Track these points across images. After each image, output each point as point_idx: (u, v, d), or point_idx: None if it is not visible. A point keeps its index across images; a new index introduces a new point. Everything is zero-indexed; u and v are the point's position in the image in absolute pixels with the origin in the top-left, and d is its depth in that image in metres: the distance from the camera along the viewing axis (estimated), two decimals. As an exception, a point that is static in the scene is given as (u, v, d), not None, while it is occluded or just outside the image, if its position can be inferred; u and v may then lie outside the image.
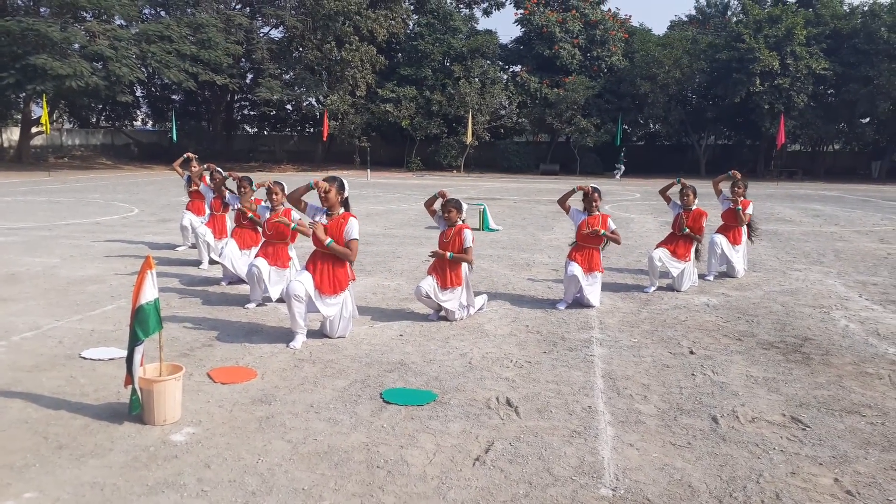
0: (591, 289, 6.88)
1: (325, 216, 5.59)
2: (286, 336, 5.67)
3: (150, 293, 3.88)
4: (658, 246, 7.91)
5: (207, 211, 9.15)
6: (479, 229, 12.85)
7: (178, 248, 9.95)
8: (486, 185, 26.26)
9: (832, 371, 5.04)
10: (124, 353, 5.04)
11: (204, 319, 6.21)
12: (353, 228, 5.48)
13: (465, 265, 6.33)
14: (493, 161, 37.02)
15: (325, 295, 5.46)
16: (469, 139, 32.61)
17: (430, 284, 6.16)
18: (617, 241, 6.92)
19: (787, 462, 3.58)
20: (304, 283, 5.37)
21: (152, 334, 3.91)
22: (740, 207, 8.41)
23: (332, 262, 5.47)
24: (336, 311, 5.54)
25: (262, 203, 7.41)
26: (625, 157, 33.04)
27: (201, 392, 4.43)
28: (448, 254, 6.21)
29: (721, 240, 8.38)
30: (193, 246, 9.42)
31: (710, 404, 4.36)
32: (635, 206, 18.41)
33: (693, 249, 7.79)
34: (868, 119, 34.46)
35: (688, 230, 7.75)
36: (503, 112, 35.90)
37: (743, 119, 34.15)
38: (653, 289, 7.74)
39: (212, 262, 8.68)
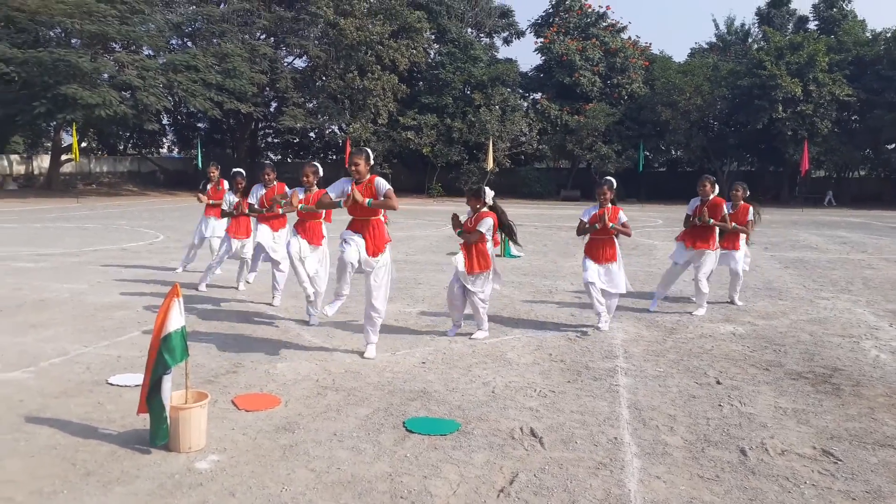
0: (612, 279, 7.00)
1: (351, 182, 5.87)
2: (310, 361, 5.69)
3: (177, 321, 3.92)
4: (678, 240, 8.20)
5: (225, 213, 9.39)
6: (500, 255, 12.84)
7: (176, 271, 10.25)
8: (507, 211, 26.26)
9: (863, 403, 4.95)
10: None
11: (228, 345, 6.25)
12: (383, 183, 5.80)
13: (490, 252, 6.70)
14: (514, 187, 37.08)
15: (371, 257, 5.80)
16: (490, 166, 32.69)
17: (460, 272, 6.56)
18: (627, 234, 7.02)
19: (820, 497, 3.51)
20: (356, 247, 5.72)
21: (180, 362, 3.94)
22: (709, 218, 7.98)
23: (370, 227, 5.83)
24: (383, 271, 5.89)
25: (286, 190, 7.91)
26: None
27: (226, 419, 4.45)
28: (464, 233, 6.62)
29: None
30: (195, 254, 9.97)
31: (739, 436, 4.29)
32: (657, 233, 18.31)
33: (717, 235, 7.94)
34: (894, 145, 34.10)
35: (711, 221, 7.77)
36: (523, 139, 36.02)
37: (766, 145, 33.94)
38: (656, 304, 8.10)
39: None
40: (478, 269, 6.57)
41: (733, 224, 8.11)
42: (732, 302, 8.50)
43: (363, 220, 5.86)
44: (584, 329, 7.06)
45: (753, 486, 3.60)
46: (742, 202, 8.38)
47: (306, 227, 7.09)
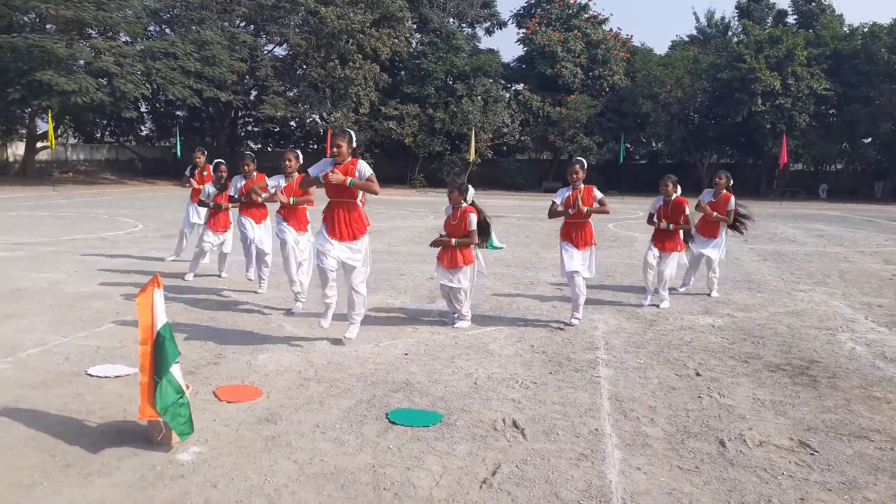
0: (588, 264, 6.98)
1: (331, 165, 5.74)
2: (292, 353, 5.67)
3: (163, 313, 3.87)
4: (650, 245, 8.02)
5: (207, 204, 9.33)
6: (482, 247, 12.84)
7: (165, 260, 10.22)
8: (489, 203, 26.27)
9: (839, 394, 5.03)
10: (130, 370, 5.07)
11: (210, 336, 6.21)
12: (365, 167, 5.72)
13: (476, 255, 6.70)
14: (496, 178, 37.12)
15: (347, 241, 5.75)
16: (472, 156, 32.73)
17: (442, 275, 6.60)
18: (606, 213, 6.97)
19: (796, 488, 3.57)
20: (333, 253, 5.71)
21: (178, 353, 3.91)
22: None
23: (347, 210, 5.77)
24: (360, 257, 5.80)
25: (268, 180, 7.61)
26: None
27: (207, 411, 4.42)
28: (453, 240, 6.52)
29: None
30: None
31: (718, 427, 4.35)
32: (639, 225, 18.43)
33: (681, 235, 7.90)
34: (870, 139, 34.58)
35: (671, 227, 7.75)
36: (506, 130, 36.04)
37: (745, 138, 34.24)
38: (648, 301, 7.96)
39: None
40: (461, 263, 6.54)
41: (714, 215, 8.22)
42: (710, 294, 8.57)
43: (341, 203, 5.78)
44: (565, 322, 7.05)
45: (732, 477, 3.66)
46: (725, 191, 8.37)
47: (292, 213, 7.10)
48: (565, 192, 6.94)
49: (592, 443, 4.08)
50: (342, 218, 5.76)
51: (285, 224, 7.19)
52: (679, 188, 7.91)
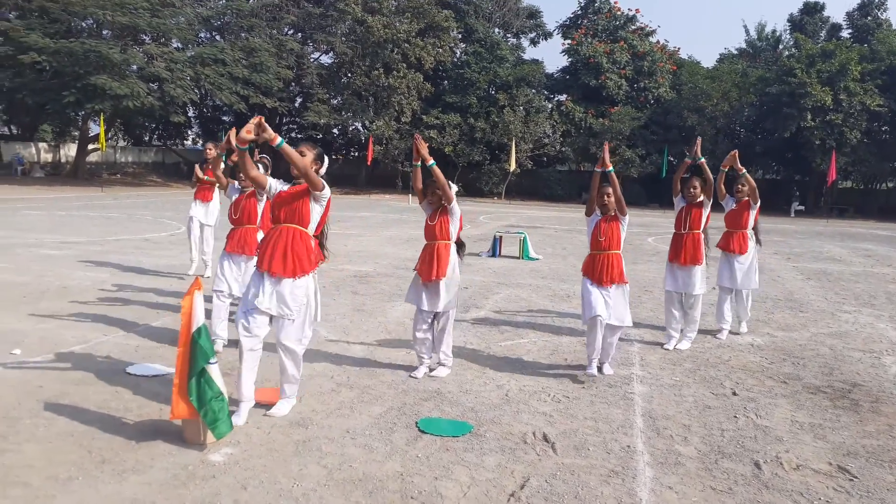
0: (617, 307, 5.61)
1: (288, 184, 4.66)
2: (325, 359, 5.72)
3: (202, 314, 3.96)
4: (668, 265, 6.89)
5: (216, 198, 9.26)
6: (518, 258, 12.82)
7: (189, 273, 9.36)
8: (527, 213, 26.23)
9: (882, 420, 4.87)
10: (168, 370, 5.18)
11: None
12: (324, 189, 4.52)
13: (453, 261, 5.45)
14: (535, 189, 36.99)
15: (277, 275, 4.33)
16: (512, 167, 32.69)
17: (415, 293, 5.40)
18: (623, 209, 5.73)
19: (834, 514, 3.47)
20: (256, 332, 4.34)
21: (214, 353, 3.98)
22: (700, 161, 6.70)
23: (291, 237, 4.39)
24: (294, 306, 4.37)
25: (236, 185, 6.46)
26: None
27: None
28: (430, 160, 5.49)
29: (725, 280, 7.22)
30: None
31: (753, 449, 4.25)
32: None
33: (703, 246, 6.68)
34: (924, 157, 33.54)
35: (703, 158, 6.61)
36: (546, 140, 35.92)
37: (793, 154, 33.52)
38: (673, 343, 6.71)
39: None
40: (434, 277, 5.29)
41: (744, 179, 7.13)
42: (738, 332, 7.37)
43: (282, 228, 4.43)
44: (589, 373, 5.67)
45: (767, 501, 3.57)
46: (746, 197, 7.23)
47: (237, 235, 6.07)
48: (596, 219, 5.79)
49: (624, 460, 4.02)
50: (283, 244, 4.37)
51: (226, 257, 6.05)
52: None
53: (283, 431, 4.22)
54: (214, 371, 3.94)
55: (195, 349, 3.87)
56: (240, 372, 4.35)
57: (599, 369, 5.73)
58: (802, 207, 33.38)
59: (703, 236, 6.74)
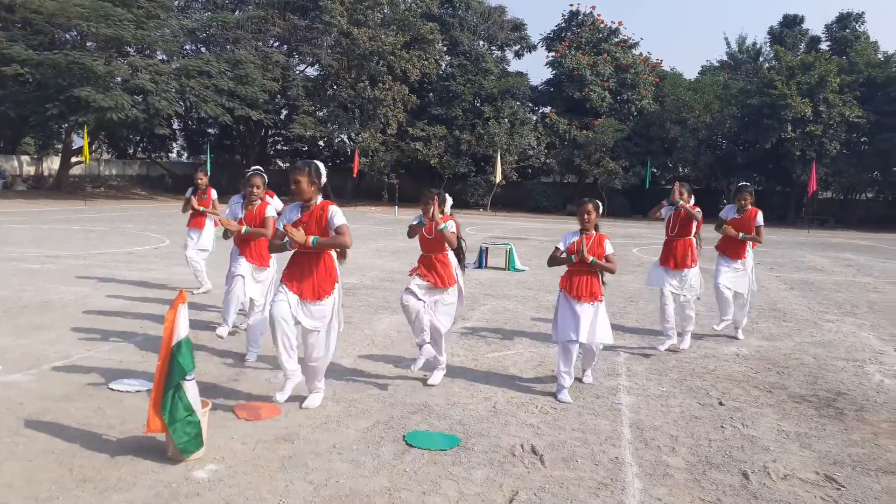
0: (595, 325, 5.50)
1: (299, 211, 4.80)
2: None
3: (185, 328, 3.92)
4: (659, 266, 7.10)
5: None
6: (504, 269, 12.83)
7: (194, 292, 9.10)
8: (512, 224, 26.28)
9: (867, 428, 4.90)
10: (151, 385, 5.10)
11: (230, 354, 6.24)
12: (337, 215, 4.68)
13: (455, 268, 5.66)
14: (521, 201, 37.09)
15: (308, 301, 4.69)
16: (497, 178, 32.77)
17: (418, 285, 5.46)
18: (611, 271, 5.58)
19: (821, 524, 3.47)
20: (287, 301, 4.68)
21: (193, 369, 3.92)
22: (688, 206, 6.93)
23: (312, 263, 4.72)
24: (321, 322, 4.76)
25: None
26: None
27: (225, 428, 4.43)
28: (441, 224, 5.41)
29: (724, 279, 7.39)
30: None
31: (741, 459, 4.26)
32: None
33: (696, 244, 6.96)
34: (903, 168, 33.98)
35: (683, 204, 6.81)
36: (531, 152, 36.06)
37: (774, 165, 33.85)
38: (668, 343, 7.00)
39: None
40: (440, 285, 5.51)
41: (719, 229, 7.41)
42: (735, 336, 7.62)
43: (305, 255, 4.73)
44: (577, 379, 5.79)
45: (754, 512, 3.57)
46: (750, 206, 7.44)
47: (251, 245, 6.19)
48: (571, 237, 5.68)
49: (612, 471, 4.01)
50: (306, 271, 4.72)
51: (241, 257, 6.24)
52: (693, 198, 7.08)
53: (269, 447, 4.18)
54: (190, 388, 3.89)
55: (173, 364, 3.84)
56: (278, 355, 4.75)
57: (579, 379, 5.79)
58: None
59: (694, 241, 7.00)
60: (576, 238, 5.62)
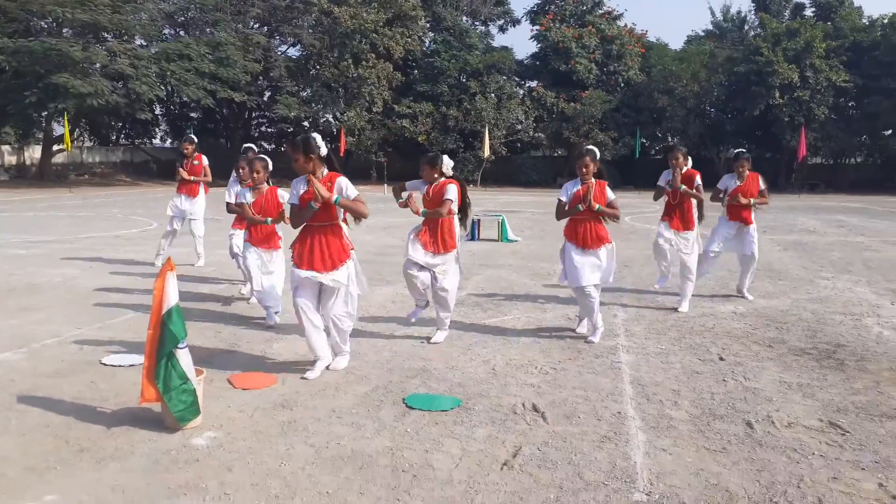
0: (601, 268, 5.76)
1: (306, 183, 4.69)
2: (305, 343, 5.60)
3: (174, 296, 3.82)
4: (661, 224, 7.40)
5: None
6: (497, 240, 12.77)
7: (194, 265, 9.24)
8: (503, 199, 26.16)
9: (868, 377, 4.88)
10: (143, 359, 5.02)
11: (223, 327, 6.16)
12: (349, 186, 4.71)
13: (457, 230, 5.73)
14: (511, 175, 36.95)
15: (326, 272, 4.72)
16: (486, 154, 32.61)
17: (418, 251, 5.57)
18: (615, 217, 5.78)
19: (828, 467, 3.44)
20: (307, 289, 4.78)
21: (185, 336, 3.83)
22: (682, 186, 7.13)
23: (324, 235, 4.72)
24: (342, 279, 4.78)
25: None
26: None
27: (222, 398, 4.36)
28: (421, 209, 5.58)
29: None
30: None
31: (744, 410, 4.23)
32: (656, 218, 18.20)
33: (696, 211, 7.19)
34: (891, 131, 34.01)
35: (683, 187, 7.03)
36: (519, 127, 35.87)
37: (763, 132, 33.82)
38: (665, 282, 7.55)
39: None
40: (441, 251, 5.57)
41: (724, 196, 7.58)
42: (742, 295, 7.64)
43: (317, 228, 4.72)
44: (585, 339, 5.88)
45: (761, 458, 3.54)
46: (749, 171, 7.55)
47: (258, 229, 6.22)
48: (573, 188, 5.84)
49: (615, 426, 3.98)
50: (316, 245, 4.70)
51: (250, 248, 6.27)
52: (690, 161, 7.27)
53: (267, 414, 4.11)
54: (183, 356, 3.80)
55: (164, 332, 3.75)
56: (307, 339, 4.83)
57: (585, 339, 5.89)
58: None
59: (693, 204, 7.17)
60: (577, 188, 5.80)
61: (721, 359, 5.32)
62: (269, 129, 44.59)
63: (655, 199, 7.54)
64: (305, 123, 40.64)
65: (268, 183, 6.28)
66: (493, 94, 35.04)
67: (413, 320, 5.98)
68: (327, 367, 4.91)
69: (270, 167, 6.32)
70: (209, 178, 9.48)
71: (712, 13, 43.63)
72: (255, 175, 6.18)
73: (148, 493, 3.15)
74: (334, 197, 4.58)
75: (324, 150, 4.70)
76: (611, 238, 5.83)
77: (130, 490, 3.16)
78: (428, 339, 5.77)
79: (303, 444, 3.67)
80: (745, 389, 4.61)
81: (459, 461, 3.49)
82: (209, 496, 3.12)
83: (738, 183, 7.57)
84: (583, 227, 5.77)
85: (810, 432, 3.88)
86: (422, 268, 5.61)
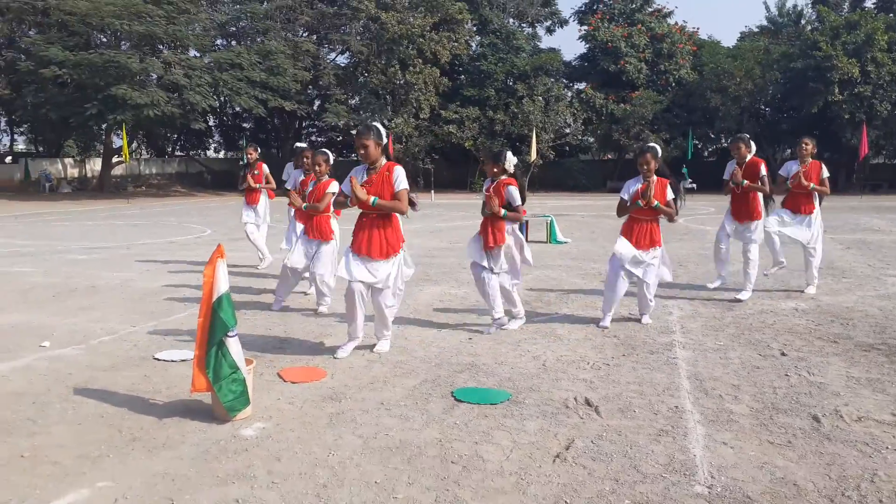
0: (652, 266, 5.96)
1: (365, 173, 5.02)
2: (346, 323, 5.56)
3: (224, 283, 3.83)
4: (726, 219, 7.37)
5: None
6: (546, 242, 12.61)
7: (258, 268, 9.45)
8: (551, 203, 25.93)
9: (944, 372, 4.61)
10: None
11: (274, 324, 6.20)
12: (401, 176, 4.95)
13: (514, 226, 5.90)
14: (559, 180, 36.56)
15: (375, 259, 4.98)
16: (533, 158, 32.37)
17: (476, 250, 5.77)
18: (671, 215, 5.92)
19: (904, 463, 3.24)
20: (359, 272, 4.98)
21: (235, 324, 3.83)
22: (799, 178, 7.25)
23: (380, 223, 5.00)
24: (385, 274, 5.01)
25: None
26: (690, 179, 30.71)
27: (271, 391, 4.36)
28: (502, 210, 5.62)
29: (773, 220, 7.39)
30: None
31: (809, 404, 4.03)
32: (710, 219, 17.78)
33: (762, 203, 7.17)
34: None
35: (745, 183, 6.98)
36: (567, 130, 35.50)
37: (821, 130, 32.69)
38: (718, 283, 7.48)
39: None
40: (492, 244, 5.68)
41: (791, 184, 7.39)
42: (810, 285, 7.45)
43: (373, 217, 5.02)
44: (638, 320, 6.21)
45: (830, 452, 3.35)
46: (812, 158, 7.38)
47: (312, 221, 6.46)
48: (634, 185, 6.01)
49: (672, 420, 3.83)
50: (372, 232, 4.99)
51: (303, 234, 6.59)
52: (753, 147, 7.19)
53: (316, 405, 4.09)
54: (233, 344, 3.80)
55: (215, 320, 3.75)
56: (349, 319, 5.15)
57: (638, 321, 6.17)
58: (693, 186, 30.85)
59: (759, 194, 7.13)
60: (639, 185, 5.96)
61: (783, 354, 5.10)
62: (319, 138, 45.18)
63: (725, 193, 7.45)
64: (354, 132, 41.06)
65: (328, 176, 6.51)
66: (540, 97, 34.73)
67: (491, 333, 5.83)
68: (372, 350, 5.23)
69: (331, 161, 6.56)
70: (273, 185, 9.55)
71: (767, 8, 42.31)
72: (316, 168, 6.43)
73: (197, 480, 3.14)
74: (371, 199, 4.88)
75: (385, 140, 5.01)
76: (661, 242, 6.07)
77: (180, 478, 3.17)
78: (480, 332, 5.77)
79: (351, 435, 3.63)
80: (809, 384, 4.39)
81: (510, 453, 3.40)
82: (257, 485, 3.10)
83: (801, 166, 7.40)
84: (639, 227, 5.96)
85: (882, 426, 3.67)
86: (484, 268, 5.77)
